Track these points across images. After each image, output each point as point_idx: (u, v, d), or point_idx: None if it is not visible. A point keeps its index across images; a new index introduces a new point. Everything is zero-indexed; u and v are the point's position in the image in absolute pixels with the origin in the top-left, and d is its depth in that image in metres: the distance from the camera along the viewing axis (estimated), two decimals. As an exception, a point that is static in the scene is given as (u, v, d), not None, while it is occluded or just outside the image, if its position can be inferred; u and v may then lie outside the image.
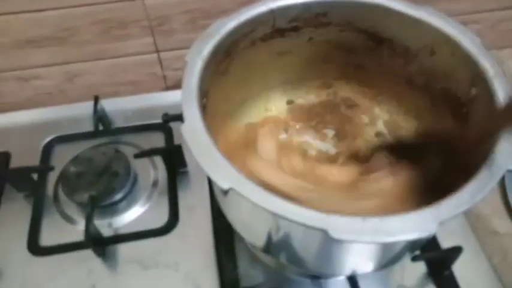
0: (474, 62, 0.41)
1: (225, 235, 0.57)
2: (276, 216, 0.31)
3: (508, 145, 0.34)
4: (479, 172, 0.33)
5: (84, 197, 0.57)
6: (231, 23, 0.46)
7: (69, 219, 0.59)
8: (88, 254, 0.54)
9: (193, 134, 0.37)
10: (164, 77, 0.74)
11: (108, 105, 0.69)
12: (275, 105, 0.58)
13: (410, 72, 0.50)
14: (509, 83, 0.38)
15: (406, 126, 0.53)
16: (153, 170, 0.64)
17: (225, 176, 0.34)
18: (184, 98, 0.40)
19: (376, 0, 0.47)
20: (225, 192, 0.42)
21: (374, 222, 0.30)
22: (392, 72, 0.52)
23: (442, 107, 0.46)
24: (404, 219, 0.30)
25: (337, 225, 0.30)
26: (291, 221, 0.31)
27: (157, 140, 0.67)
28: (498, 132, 0.34)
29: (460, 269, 0.53)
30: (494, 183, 0.32)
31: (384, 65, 0.53)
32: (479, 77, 0.40)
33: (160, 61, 0.71)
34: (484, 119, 0.38)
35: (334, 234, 0.30)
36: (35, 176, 0.63)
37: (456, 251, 0.48)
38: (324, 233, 0.30)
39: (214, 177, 0.34)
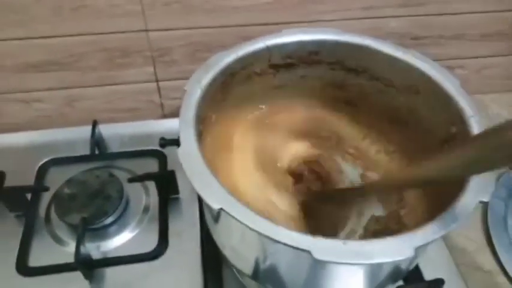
0: (453, 102, 0.44)
1: (213, 263, 0.58)
2: (262, 236, 0.33)
3: (481, 179, 0.36)
4: (453, 203, 0.35)
5: (76, 218, 0.58)
6: (229, 57, 0.49)
7: (59, 241, 0.59)
8: (76, 276, 0.54)
9: (188, 156, 0.39)
10: (162, 105, 0.76)
11: (106, 130, 0.71)
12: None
13: (396, 109, 0.53)
14: (485, 122, 0.41)
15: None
16: (145, 196, 0.65)
17: (216, 197, 0.36)
18: (182, 123, 0.42)
19: (365, 41, 0.51)
20: (216, 218, 0.44)
21: (354, 245, 0.31)
22: (380, 109, 0.55)
23: (426, 144, 0.49)
24: (383, 244, 0.32)
25: (320, 247, 0.32)
26: (276, 241, 0.33)
27: (151, 166, 0.68)
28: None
29: (443, 304, 0.54)
30: (467, 213, 0.34)
31: (372, 102, 0.56)
32: (458, 116, 0.43)
33: (159, 90, 0.74)
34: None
35: (317, 255, 0.31)
36: (29, 197, 0.64)
37: (438, 283, 0.49)
38: (308, 254, 0.32)
39: (205, 198, 0.35)
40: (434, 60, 0.50)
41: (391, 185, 0.45)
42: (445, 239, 0.62)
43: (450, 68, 0.84)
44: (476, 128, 0.41)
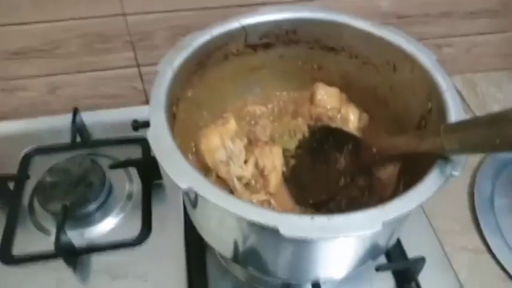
0: (430, 77, 0.43)
1: (196, 248, 0.58)
2: (230, 214, 0.33)
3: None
4: (424, 178, 0.34)
5: (58, 206, 0.57)
6: (203, 37, 0.48)
7: (42, 229, 0.59)
8: (59, 263, 0.54)
9: (157, 138, 0.38)
10: (144, 91, 0.76)
11: (88, 117, 0.70)
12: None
13: (376, 87, 0.52)
14: (458, 96, 0.40)
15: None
16: (129, 182, 0.65)
17: (185, 177, 0.35)
18: (152, 105, 0.41)
19: (341, 19, 0.50)
20: (194, 203, 0.43)
21: (322, 220, 0.31)
22: (360, 88, 0.54)
23: (405, 119, 0.48)
24: (351, 219, 0.31)
25: (288, 223, 0.31)
26: (244, 218, 0.32)
27: (134, 152, 0.68)
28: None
29: (427, 283, 0.54)
30: (436, 188, 0.34)
31: (352, 81, 0.55)
32: (434, 92, 0.42)
33: (141, 75, 0.73)
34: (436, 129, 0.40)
35: (284, 231, 0.31)
36: (12, 186, 0.63)
37: (420, 261, 0.49)
38: (276, 231, 0.31)
39: (174, 178, 0.35)
40: (421, 39, 0.48)
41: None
42: (430, 219, 0.61)
43: (438, 47, 0.83)
44: (450, 102, 0.40)
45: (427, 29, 0.78)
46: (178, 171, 0.36)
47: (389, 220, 0.31)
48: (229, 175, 0.48)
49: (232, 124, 0.53)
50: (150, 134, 0.38)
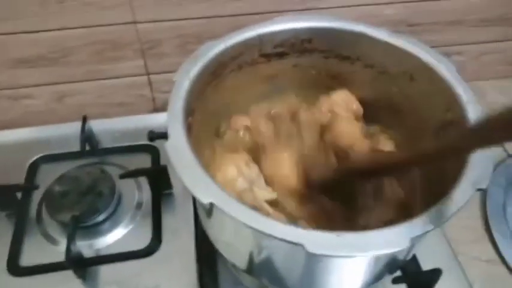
0: (450, 88, 0.43)
1: (208, 258, 0.57)
2: (254, 231, 0.32)
3: (478, 166, 0.35)
4: (450, 192, 0.34)
5: (67, 216, 0.56)
6: (218, 46, 0.48)
7: (51, 240, 0.58)
8: (68, 275, 0.53)
9: (176, 150, 0.38)
10: (153, 99, 0.75)
11: (96, 125, 0.69)
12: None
13: (391, 96, 0.52)
14: (481, 109, 0.40)
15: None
16: (138, 192, 0.64)
17: (206, 191, 0.35)
18: (170, 116, 0.41)
19: (358, 28, 0.50)
20: (209, 213, 0.43)
21: (349, 237, 0.30)
22: (374, 97, 0.54)
23: (421, 130, 0.48)
24: (378, 235, 0.31)
25: (313, 240, 0.31)
26: (268, 235, 0.31)
27: (143, 161, 0.67)
28: (469, 154, 0.35)
29: (441, 294, 0.53)
30: (464, 202, 0.33)
31: (366, 90, 0.54)
32: (454, 102, 0.42)
33: (150, 83, 0.73)
34: (457, 141, 0.40)
35: (310, 248, 0.30)
36: (19, 195, 0.62)
37: (436, 273, 0.48)
38: (301, 248, 0.30)
39: (195, 192, 0.34)
40: (430, 47, 0.48)
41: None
42: (443, 228, 0.61)
43: (447, 55, 0.82)
44: (472, 113, 0.40)
45: (436, 36, 0.77)
46: (199, 185, 0.35)
47: (417, 236, 0.31)
48: (257, 202, 0.46)
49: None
50: (169, 146, 0.38)
